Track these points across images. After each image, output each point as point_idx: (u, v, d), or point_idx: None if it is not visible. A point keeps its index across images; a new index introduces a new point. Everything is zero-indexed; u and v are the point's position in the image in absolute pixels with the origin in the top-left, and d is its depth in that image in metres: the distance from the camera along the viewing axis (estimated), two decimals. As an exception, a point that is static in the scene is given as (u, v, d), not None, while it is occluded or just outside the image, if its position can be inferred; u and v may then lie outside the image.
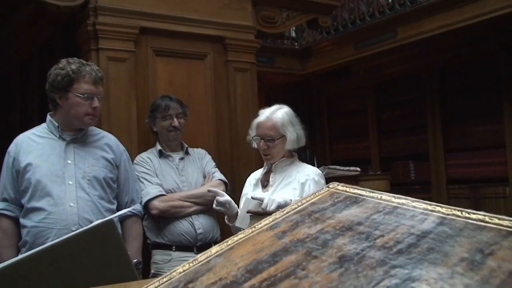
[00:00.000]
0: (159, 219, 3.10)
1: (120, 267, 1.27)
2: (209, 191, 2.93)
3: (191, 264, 0.79)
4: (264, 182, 2.83)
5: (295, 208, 0.89)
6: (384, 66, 7.21)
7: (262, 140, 2.75)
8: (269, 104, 2.90)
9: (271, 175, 2.80)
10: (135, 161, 3.17)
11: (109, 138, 2.82)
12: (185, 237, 3.06)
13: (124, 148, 2.87)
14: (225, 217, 2.87)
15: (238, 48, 4.04)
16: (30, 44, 5.08)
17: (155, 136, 3.34)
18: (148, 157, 3.23)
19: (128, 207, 2.79)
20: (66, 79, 2.57)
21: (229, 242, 0.83)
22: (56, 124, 2.66)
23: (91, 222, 2.52)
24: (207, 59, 3.94)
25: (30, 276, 1.19)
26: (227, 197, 2.80)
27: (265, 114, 2.80)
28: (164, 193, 3.10)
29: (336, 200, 0.88)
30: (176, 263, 2.95)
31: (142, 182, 3.09)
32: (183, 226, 3.07)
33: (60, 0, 3.36)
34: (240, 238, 0.83)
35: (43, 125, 2.72)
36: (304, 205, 0.89)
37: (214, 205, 2.81)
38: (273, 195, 2.61)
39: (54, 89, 2.60)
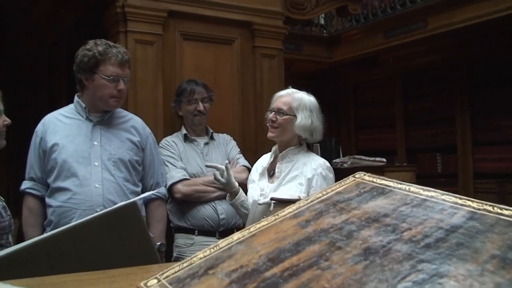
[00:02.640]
0: (182, 203, 3.10)
1: (142, 249, 1.27)
2: (206, 166, 2.92)
3: (212, 250, 0.78)
4: (270, 171, 2.73)
5: (320, 197, 0.87)
6: (413, 56, 7.11)
7: (273, 112, 2.68)
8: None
9: (277, 165, 2.69)
10: (160, 145, 3.18)
11: (136, 121, 2.82)
12: (208, 222, 3.06)
13: (150, 131, 2.87)
14: (227, 195, 2.83)
15: (266, 34, 4.00)
16: (59, 25, 5.11)
17: (181, 120, 3.34)
18: (173, 141, 3.23)
19: (153, 190, 2.80)
20: (92, 60, 2.57)
21: (251, 229, 0.81)
22: (83, 105, 2.67)
23: (116, 203, 2.53)
24: (234, 44, 3.92)
25: (53, 255, 1.20)
26: (226, 176, 2.72)
27: (286, 90, 2.74)
28: (188, 177, 3.10)
29: (362, 191, 0.86)
30: (198, 248, 2.96)
31: (166, 166, 3.10)
32: (206, 211, 3.07)
33: (90, -19, 3.38)
34: (263, 226, 0.82)
35: (71, 105, 2.73)
36: (329, 194, 0.87)
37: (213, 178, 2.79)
38: (279, 191, 2.53)
39: (80, 70, 2.61)
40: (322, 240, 0.74)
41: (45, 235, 1.23)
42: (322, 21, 7.75)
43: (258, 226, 0.82)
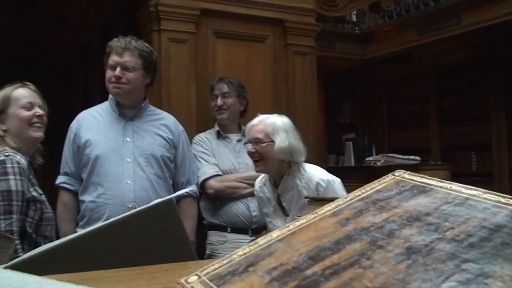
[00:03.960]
0: (215, 199, 3.12)
1: (179, 246, 1.28)
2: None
3: (251, 248, 0.78)
4: (280, 204, 2.68)
5: (359, 195, 0.86)
6: (447, 53, 7.00)
7: (250, 144, 2.65)
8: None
9: (282, 199, 2.64)
10: (193, 141, 3.20)
11: (168, 119, 2.85)
12: (240, 219, 3.07)
13: (183, 129, 2.90)
14: None
15: (298, 31, 3.99)
16: (93, 24, 5.18)
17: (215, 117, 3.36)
18: (207, 137, 3.25)
19: (184, 188, 2.82)
20: (106, 54, 2.68)
21: (290, 227, 0.81)
22: (115, 102, 2.71)
23: (147, 200, 2.56)
24: (267, 42, 3.92)
25: (91, 251, 1.21)
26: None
27: (257, 118, 2.69)
28: (221, 173, 3.11)
29: (402, 189, 0.85)
30: (231, 245, 2.97)
31: (199, 162, 3.12)
32: (238, 208, 3.08)
33: (123, -20, 3.42)
34: (302, 224, 0.81)
35: (105, 102, 2.78)
36: (368, 192, 0.86)
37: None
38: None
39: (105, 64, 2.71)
40: (363, 239, 0.73)
41: (83, 231, 1.25)
42: (354, 18, 7.69)
43: (297, 224, 0.82)
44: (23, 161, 2.11)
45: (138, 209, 1.30)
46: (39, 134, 2.26)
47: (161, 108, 3.02)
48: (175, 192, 2.78)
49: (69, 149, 2.71)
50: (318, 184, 2.55)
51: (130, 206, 2.54)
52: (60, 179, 2.73)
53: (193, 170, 2.95)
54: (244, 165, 3.19)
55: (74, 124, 2.73)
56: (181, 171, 2.85)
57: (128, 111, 2.71)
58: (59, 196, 2.73)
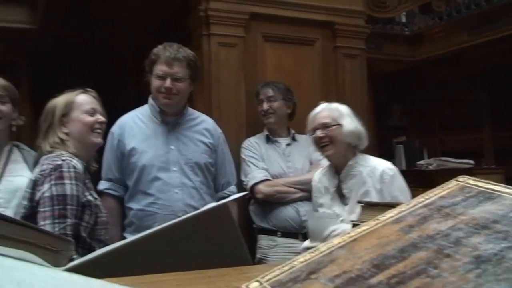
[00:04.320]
0: (264, 204, 3.12)
1: (233, 251, 1.28)
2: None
3: (312, 254, 0.76)
4: (338, 193, 2.61)
5: (422, 201, 0.84)
6: (499, 54, 6.81)
7: (318, 130, 2.60)
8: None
9: (344, 186, 2.58)
10: (243, 145, 3.21)
11: (208, 122, 2.86)
12: (290, 223, 3.05)
13: (221, 131, 2.91)
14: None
15: (348, 33, 3.96)
16: (143, 30, 5.26)
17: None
18: (256, 142, 3.25)
19: (224, 190, 2.84)
20: (149, 62, 2.70)
21: (352, 233, 0.80)
22: (158, 109, 2.73)
23: (195, 208, 2.57)
24: (316, 44, 3.91)
25: (148, 254, 1.23)
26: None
27: (320, 106, 2.68)
28: (270, 178, 3.11)
29: (467, 195, 0.82)
30: (282, 249, 2.96)
31: (248, 166, 3.12)
32: (288, 212, 3.07)
33: (173, -14, 3.46)
34: (364, 230, 0.80)
35: (145, 106, 2.80)
36: (432, 198, 0.84)
37: None
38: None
39: (147, 73, 2.74)
40: (429, 247, 0.71)
41: (140, 234, 1.26)
42: (403, 19, 7.57)
43: (358, 230, 0.80)
44: (79, 166, 2.14)
45: (193, 213, 1.31)
46: (100, 140, 2.30)
47: (211, 113, 3.04)
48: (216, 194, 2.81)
49: (112, 155, 2.73)
50: (383, 173, 2.50)
51: (180, 215, 2.55)
52: (104, 185, 2.75)
53: (232, 172, 2.95)
54: (293, 169, 3.18)
55: (116, 130, 2.75)
56: (221, 173, 2.86)
57: (170, 118, 2.73)
58: (103, 201, 2.76)
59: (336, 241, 0.79)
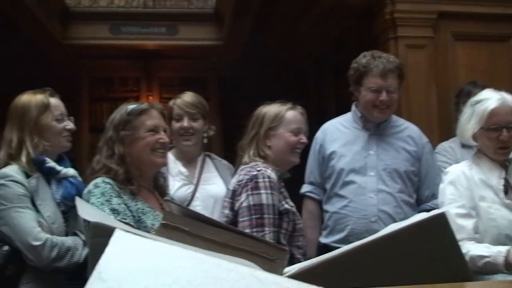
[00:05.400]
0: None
1: (452, 265, 1.21)
2: None
3: None
4: (503, 186, 2.23)
5: None
6: None
7: (504, 129, 2.17)
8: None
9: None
10: (436, 150, 3.07)
11: (412, 130, 2.75)
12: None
13: (427, 140, 2.77)
14: None
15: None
16: (325, 36, 5.32)
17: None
18: (450, 146, 3.07)
19: (428, 202, 2.70)
20: (357, 73, 2.60)
21: None
22: (359, 115, 2.70)
23: (389, 215, 2.52)
24: (511, 41, 3.64)
25: (360, 266, 1.21)
26: None
27: (494, 98, 2.22)
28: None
29: None
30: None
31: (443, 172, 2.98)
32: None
33: (359, -8, 3.45)
34: None
35: (349, 114, 2.79)
36: None
37: None
38: None
39: (350, 83, 2.67)
40: None
41: (353, 245, 1.24)
42: None
43: None
44: (273, 176, 2.20)
45: (407, 224, 1.26)
46: (297, 160, 2.35)
47: (401, 117, 2.95)
48: (418, 206, 2.69)
49: (314, 159, 2.78)
50: None
51: (372, 220, 2.52)
52: (305, 188, 2.81)
53: (438, 183, 2.79)
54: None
55: (319, 135, 2.79)
56: (426, 184, 2.72)
57: (372, 124, 2.68)
58: (304, 204, 2.82)
59: None
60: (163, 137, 2.05)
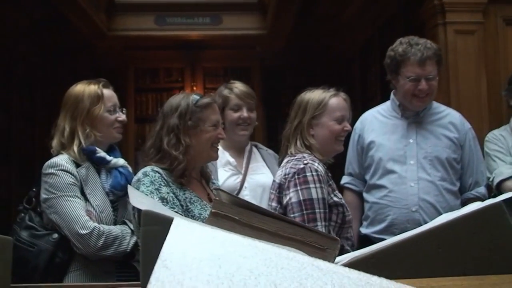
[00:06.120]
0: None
1: (510, 255, 1.18)
2: None
3: None
4: None
5: None
6: None
7: None
8: None
9: None
10: (486, 138, 3.00)
11: (453, 116, 2.69)
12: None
13: (470, 126, 2.70)
14: None
15: None
16: (371, 23, 5.25)
17: (510, 111, 3.10)
18: (501, 134, 3.00)
19: (471, 190, 2.64)
20: (393, 62, 2.57)
21: None
22: (397, 103, 2.66)
23: (430, 204, 2.50)
24: None
25: (417, 256, 1.19)
26: None
27: None
28: (520, 174, 2.85)
29: None
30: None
31: (494, 161, 2.91)
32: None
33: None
34: None
35: (387, 103, 2.75)
36: None
37: None
38: None
39: (388, 71, 2.64)
40: None
41: (406, 235, 1.23)
42: None
43: None
44: (321, 168, 2.18)
45: (464, 213, 1.24)
46: (341, 148, 2.33)
47: (449, 106, 2.89)
48: (461, 194, 2.64)
49: (353, 150, 2.76)
50: None
51: (413, 209, 2.50)
52: (344, 179, 2.81)
53: (482, 171, 2.72)
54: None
55: (358, 125, 2.76)
56: (469, 171, 2.66)
57: (411, 112, 2.63)
58: (344, 195, 2.79)
59: None
60: (222, 132, 2.08)
